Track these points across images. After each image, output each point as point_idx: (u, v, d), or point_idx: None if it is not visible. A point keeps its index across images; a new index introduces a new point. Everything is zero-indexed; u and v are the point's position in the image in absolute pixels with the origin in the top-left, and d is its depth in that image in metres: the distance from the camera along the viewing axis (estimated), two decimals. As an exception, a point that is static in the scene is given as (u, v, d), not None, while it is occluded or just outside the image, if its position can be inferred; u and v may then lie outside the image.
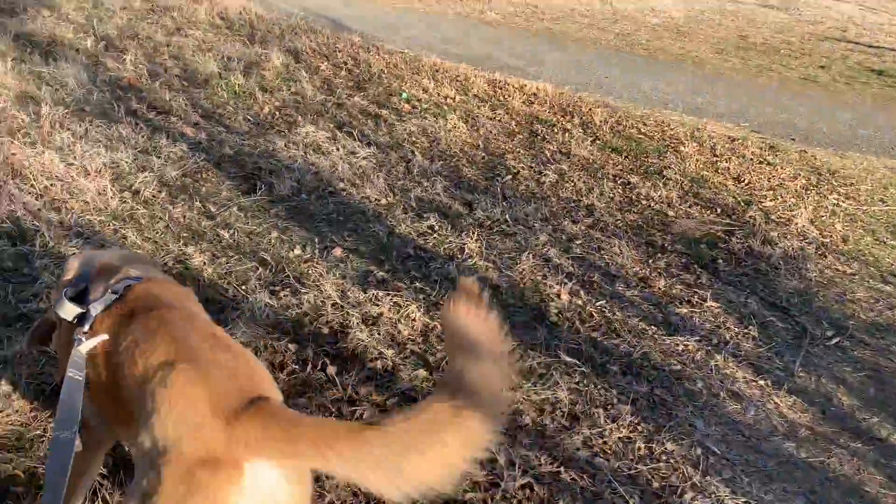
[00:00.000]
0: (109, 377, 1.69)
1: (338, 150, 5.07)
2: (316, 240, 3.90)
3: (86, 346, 1.70)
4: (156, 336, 1.65)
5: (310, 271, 3.58)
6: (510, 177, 4.94)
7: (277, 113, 5.73)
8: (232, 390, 1.52)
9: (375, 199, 4.44)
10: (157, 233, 3.76)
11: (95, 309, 1.77)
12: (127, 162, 4.43)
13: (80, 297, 1.83)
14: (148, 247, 3.61)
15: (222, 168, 4.66)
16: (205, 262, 3.53)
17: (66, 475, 1.55)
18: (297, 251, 3.78)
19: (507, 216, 4.31)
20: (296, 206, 4.29)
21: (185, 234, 3.79)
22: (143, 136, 4.85)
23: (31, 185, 3.94)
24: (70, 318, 1.78)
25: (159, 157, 4.59)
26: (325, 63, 6.92)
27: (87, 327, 1.74)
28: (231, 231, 3.87)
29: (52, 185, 3.98)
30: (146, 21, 7.49)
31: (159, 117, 5.31)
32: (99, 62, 6.15)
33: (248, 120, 5.53)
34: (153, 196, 4.13)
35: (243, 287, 3.38)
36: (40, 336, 2.05)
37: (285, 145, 5.09)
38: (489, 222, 4.26)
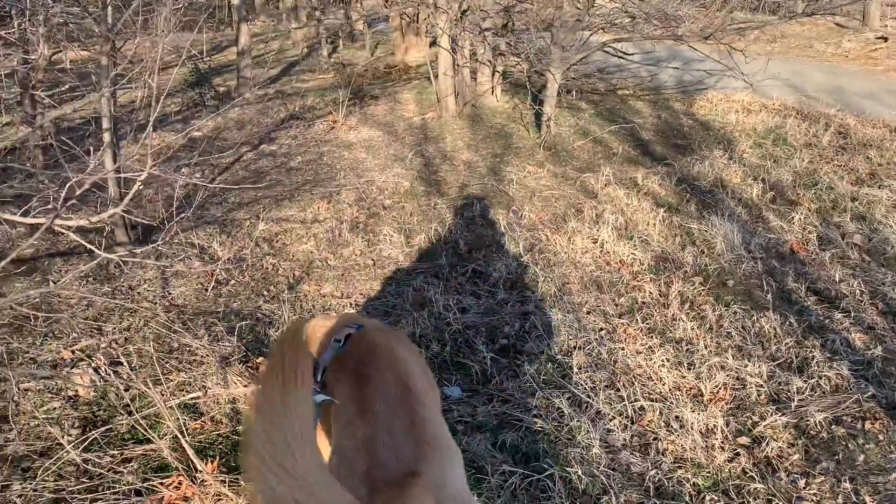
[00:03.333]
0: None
1: None
2: None
3: (318, 397, 1.71)
4: (350, 396, 1.68)
5: None
6: None
7: None
8: (390, 462, 1.47)
9: None
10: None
11: (324, 361, 1.86)
12: (758, 383, 3.22)
13: None
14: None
15: (898, 418, 3.03)
16: None
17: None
18: None
19: None
20: None
21: (811, 554, 2.36)
22: (790, 339, 3.58)
23: (614, 416, 3.09)
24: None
25: (807, 380, 3.24)
26: None
27: (318, 377, 1.82)
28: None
29: (637, 403, 3.05)
30: (832, 163, 6.15)
31: (820, 307, 3.94)
32: (760, 218, 5.13)
33: (958, 331, 3.67)
34: (780, 456, 2.81)
35: None
36: None
37: None
38: None
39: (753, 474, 2.70)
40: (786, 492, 2.61)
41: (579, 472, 2.67)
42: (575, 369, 3.31)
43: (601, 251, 4.58)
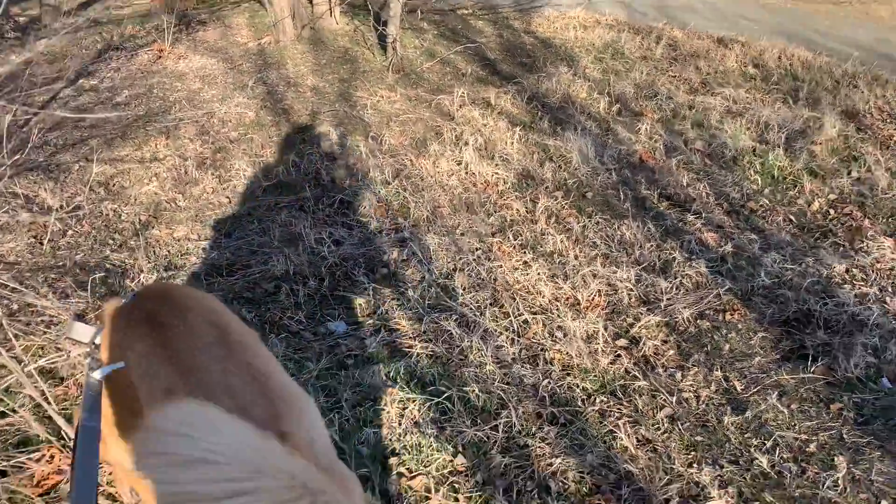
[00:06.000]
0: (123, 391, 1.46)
1: (938, 293, 3.26)
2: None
3: (97, 374, 1.48)
4: (152, 353, 1.42)
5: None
6: None
7: (832, 212, 4.11)
8: None
9: None
10: (655, 430, 2.58)
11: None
12: (628, 287, 3.38)
13: None
14: (643, 467, 2.45)
15: (753, 306, 3.30)
16: (728, 511, 2.24)
17: (96, 464, 1.32)
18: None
19: None
20: (873, 405, 2.69)
21: (698, 440, 2.54)
22: (651, 244, 3.77)
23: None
24: (86, 340, 1.62)
25: (671, 280, 3.45)
26: (902, 132, 4.98)
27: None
28: (770, 441, 2.48)
29: (521, 317, 3.12)
30: (667, 74, 6.48)
31: (673, 211, 4.18)
32: (609, 130, 5.32)
33: (790, 221, 4.04)
34: (656, 354, 2.98)
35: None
36: None
37: (846, 272, 3.48)
38: None
39: (636, 373, 2.85)
40: (666, 386, 2.79)
41: (476, 391, 2.69)
42: (459, 291, 3.31)
43: (466, 172, 4.56)
